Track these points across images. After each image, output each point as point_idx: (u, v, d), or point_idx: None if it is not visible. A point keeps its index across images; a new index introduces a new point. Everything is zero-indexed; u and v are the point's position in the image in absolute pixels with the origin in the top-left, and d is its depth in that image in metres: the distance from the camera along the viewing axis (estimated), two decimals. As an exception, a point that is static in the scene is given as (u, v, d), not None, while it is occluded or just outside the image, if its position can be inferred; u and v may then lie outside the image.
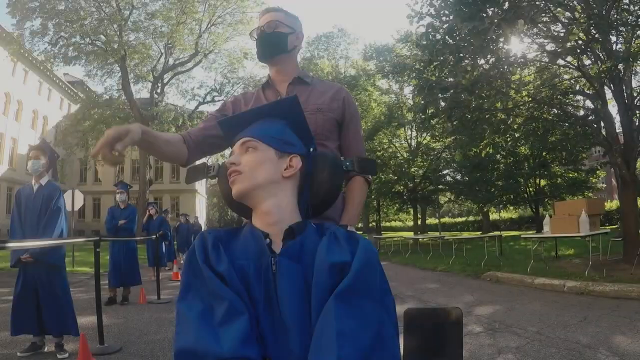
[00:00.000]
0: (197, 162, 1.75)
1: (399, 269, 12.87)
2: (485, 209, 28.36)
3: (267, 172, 1.20)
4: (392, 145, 28.64)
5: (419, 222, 30.54)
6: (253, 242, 1.16)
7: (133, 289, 7.51)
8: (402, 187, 26.93)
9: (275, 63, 1.89)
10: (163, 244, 10.55)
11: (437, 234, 23.52)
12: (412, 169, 26.07)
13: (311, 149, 1.32)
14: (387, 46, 28.54)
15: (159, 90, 28.50)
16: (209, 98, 30.36)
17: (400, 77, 25.36)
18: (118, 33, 25.48)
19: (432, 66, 11.07)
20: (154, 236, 8.66)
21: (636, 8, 8.35)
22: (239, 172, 1.20)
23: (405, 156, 27.10)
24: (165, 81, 29.09)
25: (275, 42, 1.86)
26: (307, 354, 1.01)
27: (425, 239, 18.68)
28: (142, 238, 9.89)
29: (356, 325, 1.00)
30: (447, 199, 30.31)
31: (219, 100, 30.77)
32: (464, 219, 45.86)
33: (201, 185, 49.38)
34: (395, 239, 23.65)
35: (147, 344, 4.56)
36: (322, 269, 1.07)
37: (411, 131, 28.28)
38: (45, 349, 4.28)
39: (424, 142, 27.21)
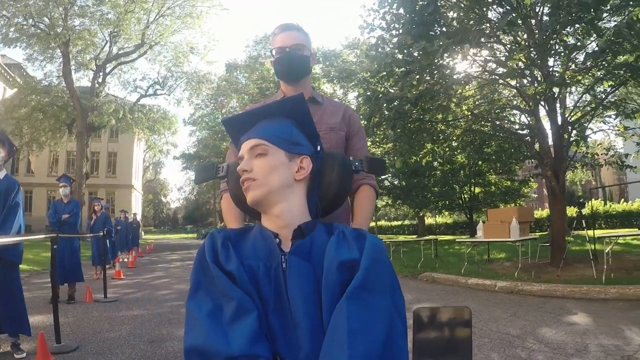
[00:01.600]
0: (206, 162, 1.80)
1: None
2: (421, 214, 29.30)
3: (280, 177, 1.21)
4: None
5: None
6: (262, 242, 1.18)
7: (78, 287, 7.36)
8: None
9: (297, 85, 1.96)
10: (107, 241, 10.36)
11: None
12: None
13: (318, 148, 1.33)
14: (334, 51, 28.82)
15: (100, 80, 27.41)
16: (151, 91, 29.60)
17: (346, 83, 25.75)
18: (63, 17, 24.22)
19: (379, 76, 11.46)
20: (101, 233, 8.52)
21: (571, 39, 9.08)
22: (253, 179, 1.20)
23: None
24: (107, 71, 28.01)
25: (301, 66, 1.92)
26: (317, 350, 1.03)
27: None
28: (91, 235, 9.65)
29: (367, 323, 1.02)
30: (384, 203, 31.07)
31: (161, 94, 30.15)
32: (400, 222, 46.71)
33: (137, 181, 48.05)
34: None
35: (103, 342, 4.57)
36: (332, 267, 1.09)
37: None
38: (1, 349, 4.20)
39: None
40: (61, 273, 7.00)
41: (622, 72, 8.59)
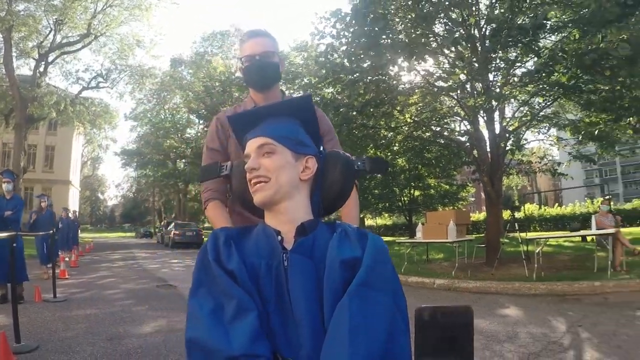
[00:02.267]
0: (210, 162, 1.85)
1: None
2: (361, 215, 29.96)
3: (288, 176, 1.23)
4: None
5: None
6: (265, 240, 1.19)
7: (25, 286, 7.24)
8: None
9: (267, 92, 1.96)
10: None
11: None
12: None
13: (321, 148, 1.35)
14: (282, 53, 28.91)
15: (42, 69, 26.19)
16: (93, 83, 28.64)
17: (291, 85, 25.96)
18: (8, 1, 22.99)
19: (326, 82, 11.83)
20: (51, 230, 8.38)
21: (512, 53, 9.78)
22: (265, 178, 1.21)
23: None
24: (50, 60, 26.80)
25: (272, 74, 1.93)
26: (318, 349, 1.03)
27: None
28: (43, 234, 9.41)
29: (369, 321, 1.03)
30: None
31: (103, 87, 29.26)
32: None
33: (75, 177, 46.37)
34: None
35: (62, 341, 4.62)
36: (334, 264, 1.10)
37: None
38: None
39: None
40: (5, 272, 6.86)
41: (555, 90, 9.35)
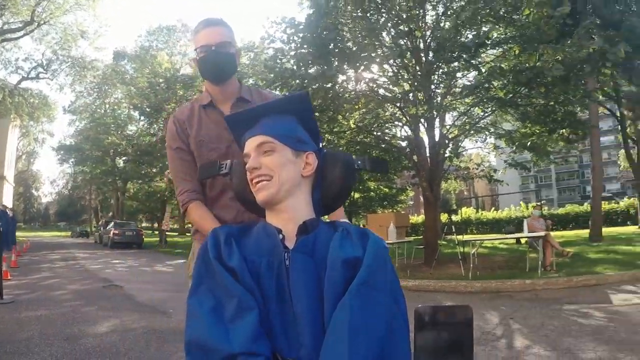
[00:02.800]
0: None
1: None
2: None
3: (289, 174, 1.23)
4: None
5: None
6: (266, 238, 1.19)
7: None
8: None
9: (224, 85, 1.87)
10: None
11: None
12: None
13: (320, 145, 1.35)
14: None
15: (-21, 57, 24.88)
16: (33, 74, 27.67)
17: None
18: None
19: (273, 86, 12.10)
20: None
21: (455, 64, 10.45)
22: (267, 177, 1.22)
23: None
24: (-12, 47, 25.38)
25: (228, 65, 1.82)
26: (318, 348, 1.03)
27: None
28: None
29: (370, 320, 1.04)
30: None
31: (44, 78, 28.17)
32: None
33: (10, 172, 44.02)
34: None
35: (19, 342, 4.66)
36: (335, 264, 1.10)
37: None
38: None
39: None
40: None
41: (492, 103, 10.08)
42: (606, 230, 19.44)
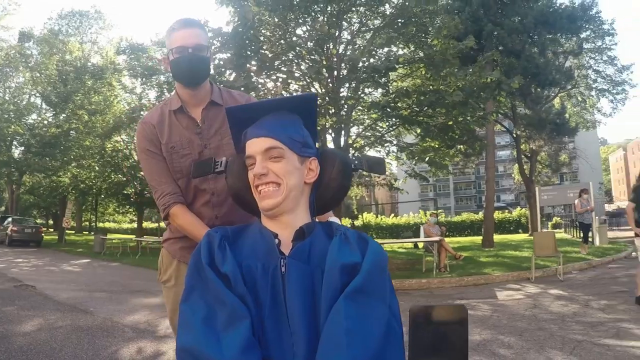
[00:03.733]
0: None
1: (140, 271, 13.86)
2: None
3: (295, 181, 1.20)
4: (127, 147, 27.15)
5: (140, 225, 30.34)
6: (262, 242, 1.17)
7: None
8: (132, 190, 25.86)
9: (196, 88, 1.84)
10: None
11: (156, 237, 24.79)
12: (141, 173, 24.93)
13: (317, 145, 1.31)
14: (142, 46, 27.74)
15: None
16: None
17: (148, 81, 25.19)
18: None
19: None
20: None
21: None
22: (275, 185, 1.18)
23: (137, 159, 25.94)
24: None
25: (202, 69, 1.80)
26: (312, 356, 1.02)
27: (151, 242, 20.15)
28: None
29: (365, 324, 1.02)
30: None
31: None
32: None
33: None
34: (115, 240, 23.70)
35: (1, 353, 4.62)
36: (334, 269, 1.08)
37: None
38: None
39: None
40: None
41: (396, 120, 11.18)
42: (498, 237, 21.67)
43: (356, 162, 1.38)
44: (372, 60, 10.67)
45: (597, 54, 25.33)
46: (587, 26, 23.01)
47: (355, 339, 0.99)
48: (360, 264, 1.10)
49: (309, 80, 11.73)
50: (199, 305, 1.08)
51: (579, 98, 27.43)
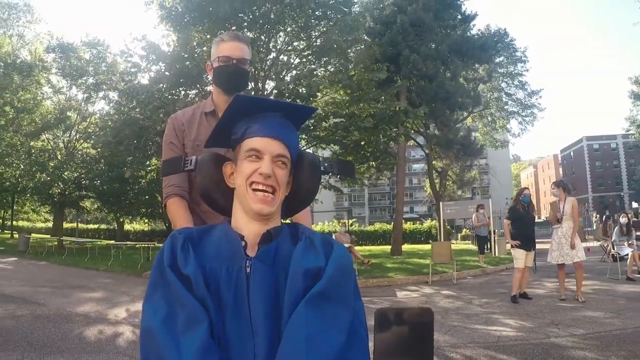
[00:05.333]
0: (173, 155, 1.87)
1: (70, 269, 14.38)
2: (121, 219, 30.96)
3: (284, 192, 1.22)
4: (53, 147, 26.71)
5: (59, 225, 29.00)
6: (227, 244, 1.16)
7: None
8: (57, 190, 24.80)
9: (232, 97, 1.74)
10: None
11: (74, 238, 25.44)
12: (66, 173, 24.08)
13: None
14: (72, 45, 25.85)
15: None
16: None
17: (74, 82, 24.92)
18: None
19: (130, 106, 13.33)
20: None
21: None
22: (272, 190, 1.17)
23: (61, 159, 25.05)
24: None
25: (242, 80, 1.96)
26: (273, 357, 1.01)
27: (74, 242, 20.75)
28: None
29: (326, 330, 1.02)
30: (96, 206, 29.92)
31: None
32: (96, 226, 44.97)
33: None
34: (36, 240, 23.50)
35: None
36: (297, 273, 1.08)
37: (70, 136, 26.65)
38: None
39: (82, 148, 26.42)
40: None
41: (313, 140, 12.89)
42: (408, 247, 23.23)
43: (326, 164, 1.38)
44: (296, 88, 12.09)
45: (509, 79, 27.65)
46: (500, 52, 24.97)
47: (314, 345, 0.99)
48: (324, 268, 1.11)
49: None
50: (160, 306, 1.07)
51: (489, 119, 29.62)
